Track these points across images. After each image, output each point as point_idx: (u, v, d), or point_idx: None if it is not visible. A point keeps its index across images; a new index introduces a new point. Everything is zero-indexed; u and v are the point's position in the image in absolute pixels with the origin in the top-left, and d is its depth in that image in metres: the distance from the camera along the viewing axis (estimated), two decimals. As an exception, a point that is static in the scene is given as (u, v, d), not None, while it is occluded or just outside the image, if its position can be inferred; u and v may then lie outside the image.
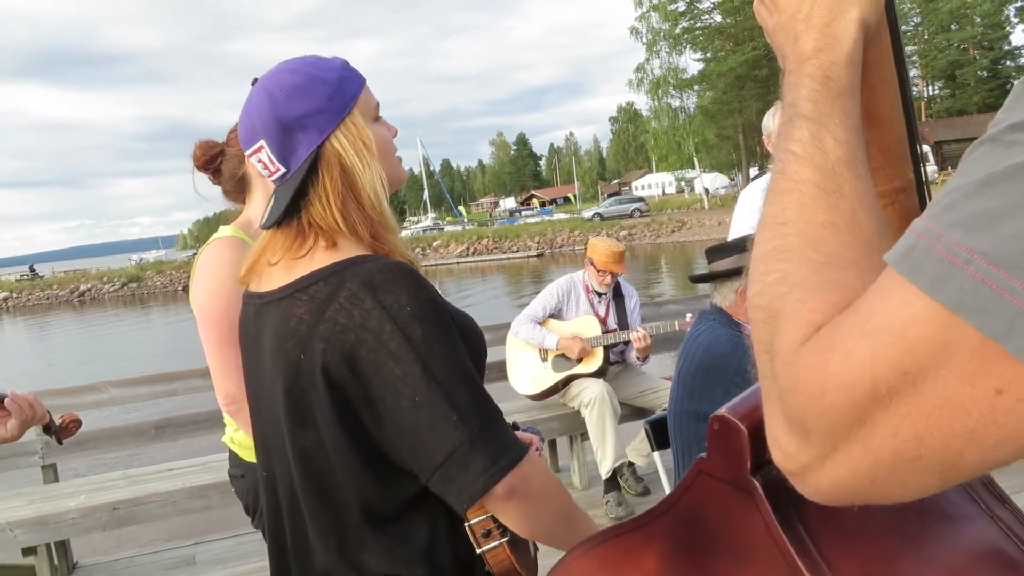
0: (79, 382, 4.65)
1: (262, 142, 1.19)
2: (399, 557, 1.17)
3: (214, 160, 2.08)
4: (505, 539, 1.18)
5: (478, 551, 1.19)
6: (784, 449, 0.52)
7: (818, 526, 0.72)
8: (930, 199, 0.65)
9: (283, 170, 1.20)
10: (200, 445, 4.76)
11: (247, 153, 1.23)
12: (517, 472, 1.11)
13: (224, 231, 2.07)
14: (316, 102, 1.18)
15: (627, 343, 4.38)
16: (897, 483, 0.48)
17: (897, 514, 0.75)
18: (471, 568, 1.22)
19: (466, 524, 1.18)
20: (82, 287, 46.55)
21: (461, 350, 1.15)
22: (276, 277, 1.22)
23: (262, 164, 1.21)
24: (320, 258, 1.18)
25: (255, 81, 1.24)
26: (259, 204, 2.08)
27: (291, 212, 1.20)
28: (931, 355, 0.43)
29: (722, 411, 0.78)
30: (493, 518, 1.17)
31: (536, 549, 1.32)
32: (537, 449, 1.48)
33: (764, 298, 0.54)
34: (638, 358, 4.36)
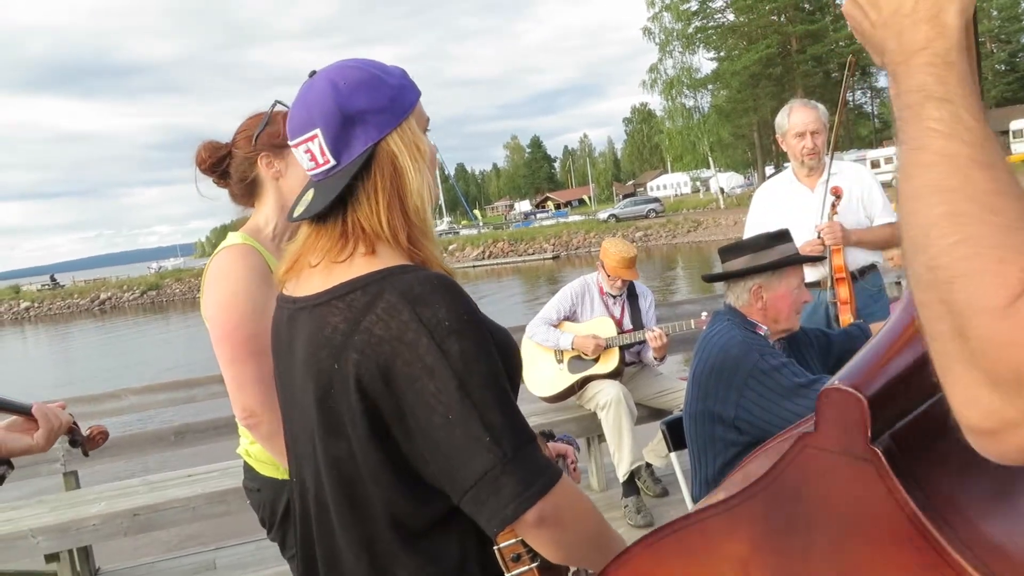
0: (100, 390, 4.69)
1: (317, 131, 1.16)
2: (429, 574, 1.15)
3: (221, 162, 2.02)
4: (535, 564, 1.15)
5: (507, 575, 1.16)
6: (984, 406, 0.52)
7: (937, 493, 0.73)
8: None
9: (332, 163, 1.17)
10: (220, 451, 4.79)
11: (295, 142, 1.20)
12: (549, 499, 1.08)
13: (233, 238, 1.99)
14: (379, 100, 1.17)
15: (643, 343, 4.36)
16: None
17: (1012, 481, 0.78)
18: None
19: (495, 547, 1.15)
20: (102, 296, 46.96)
21: (498, 368, 1.13)
22: (315, 281, 1.20)
23: (309, 155, 1.18)
24: (359, 264, 1.17)
25: (313, 73, 1.22)
26: (269, 208, 2.02)
27: (334, 208, 1.18)
28: None
29: (835, 383, 0.78)
30: (523, 542, 1.14)
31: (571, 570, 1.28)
32: (572, 462, 1.46)
33: (944, 259, 0.55)
34: (655, 358, 4.35)
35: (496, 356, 1.13)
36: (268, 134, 1.96)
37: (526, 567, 1.15)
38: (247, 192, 2.04)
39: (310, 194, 1.22)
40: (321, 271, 1.20)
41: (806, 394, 2.21)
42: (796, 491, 0.81)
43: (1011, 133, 42.68)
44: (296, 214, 1.23)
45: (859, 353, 0.84)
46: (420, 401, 1.08)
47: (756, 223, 3.81)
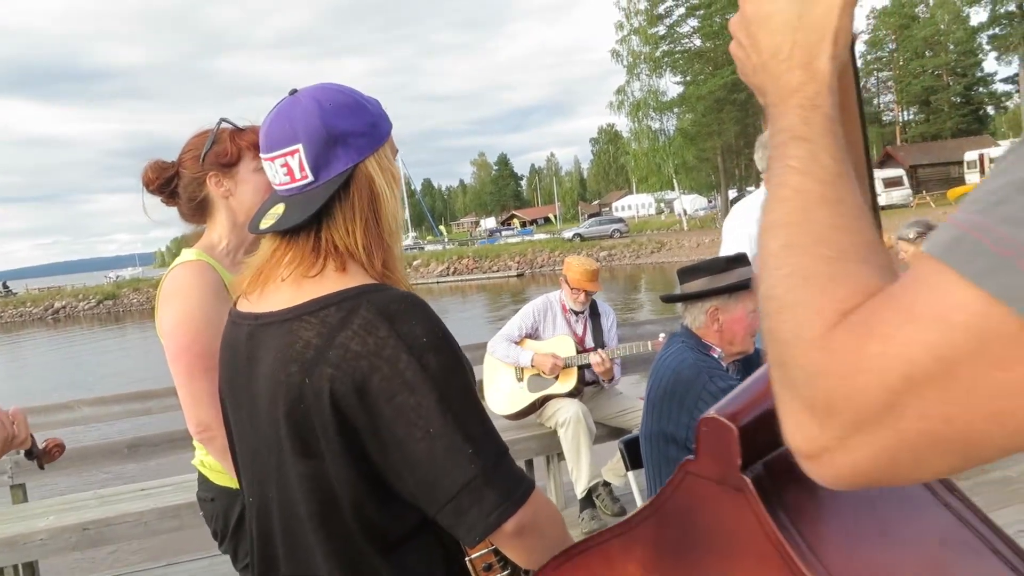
0: (51, 400, 4.60)
1: (299, 146, 1.17)
2: None
3: (169, 183, 2.01)
4: (505, 572, 1.19)
5: None
6: (805, 432, 0.54)
7: (801, 518, 0.75)
8: (879, 222, 0.70)
9: (310, 179, 1.19)
10: (174, 465, 4.72)
11: (270, 156, 1.21)
12: (528, 507, 1.12)
13: (187, 255, 1.99)
14: (361, 124, 1.21)
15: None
16: (917, 465, 0.51)
17: (869, 504, 0.81)
18: None
19: (467, 559, 1.19)
20: (56, 304, 45.98)
21: (473, 382, 1.17)
22: (282, 295, 1.20)
23: (286, 168, 1.19)
24: (331, 280, 1.18)
25: (294, 91, 1.24)
26: (222, 226, 2.03)
27: (308, 223, 1.19)
28: (970, 341, 0.46)
29: (711, 413, 0.81)
30: (494, 552, 1.18)
31: None
32: None
33: (776, 290, 0.58)
34: (603, 380, 4.38)
35: (469, 371, 1.17)
36: (215, 153, 1.96)
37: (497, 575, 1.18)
38: (197, 211, 2.04)
39: (280, 207, 1.22)
40: (290, 285, 1.20)
41: None
42: (681, 516, 0.84)
43: (965, 164, 43.75)
44: (265, 226, 1.22)
45: (741, 384, 0.87)
46: (399, 416, 1.09)
47: (732, 245, 3.86)
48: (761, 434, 0.78)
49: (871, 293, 0.52)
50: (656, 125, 49.48)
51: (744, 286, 2.58)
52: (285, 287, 1.21)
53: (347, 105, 1.21)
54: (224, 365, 1.33)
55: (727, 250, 3.81)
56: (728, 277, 2.60)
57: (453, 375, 1.12)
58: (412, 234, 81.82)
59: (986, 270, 0.45)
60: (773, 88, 0.67)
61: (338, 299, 1.14)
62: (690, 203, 57.31)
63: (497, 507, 1.09)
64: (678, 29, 52.21)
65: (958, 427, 0.48)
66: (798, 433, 0.55)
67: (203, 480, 2.07)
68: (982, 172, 40.79)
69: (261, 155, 1.24)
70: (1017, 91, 52.92)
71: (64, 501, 4.10)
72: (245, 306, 1.28)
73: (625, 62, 49.34)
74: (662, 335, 4.37)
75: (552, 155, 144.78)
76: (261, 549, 1.29)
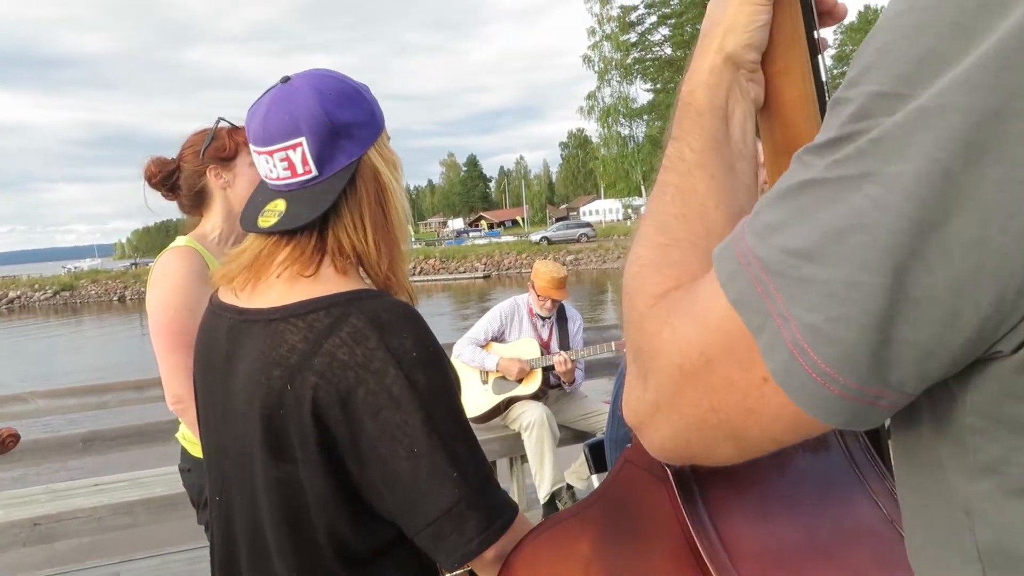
0: (3, 392, 4.49)
1: (303, 139, 1.10)
2: None
3: (170, 176, 2.17)
4: None
5: None
6: (631, 405, 0.59)
7: (718, 507, 0.77)
8: None
9: (314, 173, 1.12)
10: (130, 460, 4.63)
11: (269, 149, 1.13)
12: (509, 534, 1.08)
13: (179, 241, 2.16)
14: (362, 114, 1.15)
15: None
16: (705, 447, 0.55)
17: (792, 493, 0.82)
18: None
19: None
20: (11, 294, 44.97)
21: (460, 401, 1.12)
22: (273, 293, 1.14)
23: (287, 163, 1.12)
24: (326, 282, 1.12)
25: (287, 79, 1.17)
26: (216, 216, 2.19)
27: (310, 223, 1.13)
28: (721, 342, 0.49)
29: None
30: (470, 573, 1.14)
31: None
32: None
33: (624, 278, 0.62)
34: (564, 382, 4.38)
35: (457, 389, 1.13)
36: (214, 148, 2.15)
37: None
38: (196, 203, 2.21)
39: (280, 203, 1.15)
40: (283, 283, 1.14)
41: None
42: (622, 501, 0.88)
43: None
44: (267, 224, 1.15)
45: None
46: (383, 432, 1.05)
47: None
48: None
49: (691, 276, 0.56)
50: (626, 131, 49.93)
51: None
52: (278, 284, 1.15)
53: (346, 94, 1.15)
54: (200, 353, 1.27)
55: None
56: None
57: (441, 393, 1.08)
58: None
59: (730, 277, 0.48)
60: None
61: (328, 303, 1.09)
62: (657, 210, 57.77)
63: (479, 534, 1.06)
64: (649, 37, 52.75)
65: (722, 418, 0.51)
66: (627, 405, 0.59)
67: (183, 451, 2.23)
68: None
69: (254, 147, 1.16)
70: (977, 110, 54.10)
71: (14, 495, 4.00)
72: (229, 298, 1.21)
73: (596, 68, 49.70)
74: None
75: (521, 158, 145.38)
76: (223, 551, 1.24)
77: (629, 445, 0.86)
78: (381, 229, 1.17)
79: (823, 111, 0.71)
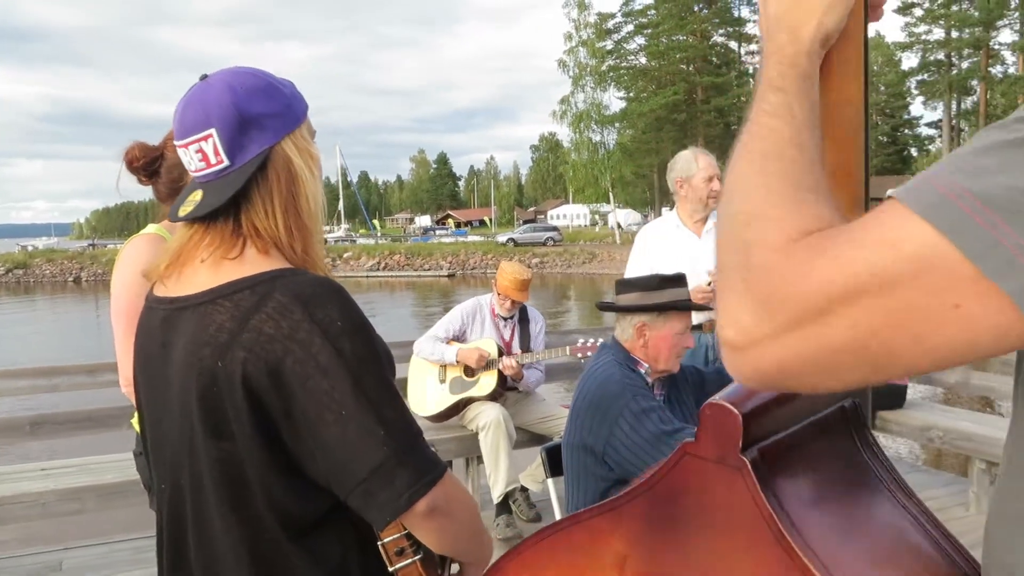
0: (-50, 370, 4.37)
1: (212, 131, 1.17)
2: (313, 572, 1.16)
3: (153, 163, 2.18)
4: (418, 557, 1.20)
5: (391, 569, 1.20)
6: (742, 325, 0.61)
7: (787, 501, 0.84)
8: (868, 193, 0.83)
9: (226, 163, 1.18)
10: (79, 446, 4.54)
11: (184, 142, 1.20)
12: (439, 489, 1.13)
13: (148, 229, 2.25)
14: (275, 106, 1.20)
15: (525, 366, 4.42)
16: (833, 371, 0.59)
17: (840, 491, 0.93)
18: None
19: (380, 543, 1.19)
20: (-38, 270, 43.78)
21: (387, 368, 1.17)
22: (200, 278, 1.19)
23: (201, 154, 1.18)
24: (250, 264, 1.17)
25: (204, 76, 1.23)
26: None
27: (225, 209, 1.18)
28: (911, 267, 0.53)
29: (717, 399, 0.88)
30: (407, 536, 1.18)
31: (446, 565, 1.33)
32: None
33: (748, 204, 0.66)
34: (512, 378, 4.40)
35: (385, 362, 1.18)
36: None
37: (409, 560, 1.20)
38: (174, 192, 2.22)
39: (198, 194, 1.21)
40: (209, 268, 1.19)
41: (667, 441, 2.29)
42: (675, 494, 0.91)
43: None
44: (183, 213, 1.21)
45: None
46: (312, 399, 1.09)
47: (641, 264, 3.94)
48: (758, 423, 0.87)
49: (829, 223, 0.61)
50: (597, 138, 50.04)
51: (674, 307, 2.63)
52: (204, 269, 1.19)
53: (260, 88, 1.20)
54: (139, 352, 1.31)
55: (631, 272, 3.87)
56: (660, 296, 2.64)
57: (368, 361, 1.13)
58: (345, 226, 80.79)
59: (934, 206, 0.53)
60: (767, 46, 0.76)
61: (252, 283, 1.14)
62: (624, 217, 58.23)
63: (409, 488, 1.10)
64: (625, 45, 53.13)
65: (881, 339, 0.55)
66: (734, 326, 0.62)
67: (137, 436, 2.23)
68: (901, 210, 42.54)
69: (175, 142, 1.22)
70: (940, 135, 55.42)
71: (-44, 477, 3.90)
72: (161, 291, 1.26)
73: (571, 73, 49.76)
74: (581, 341, 4.41)
75: (492, 158, 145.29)
76: (171, 534, 1.27)
77: (690, 439, 0.90)
78: (292, 215, 1.21)
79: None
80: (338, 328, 1.11)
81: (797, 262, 0.59)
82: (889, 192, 0.58)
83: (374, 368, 1.14)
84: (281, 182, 1.20)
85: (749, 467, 0.83)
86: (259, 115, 1.18)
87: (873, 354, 0.56)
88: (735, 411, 0.86)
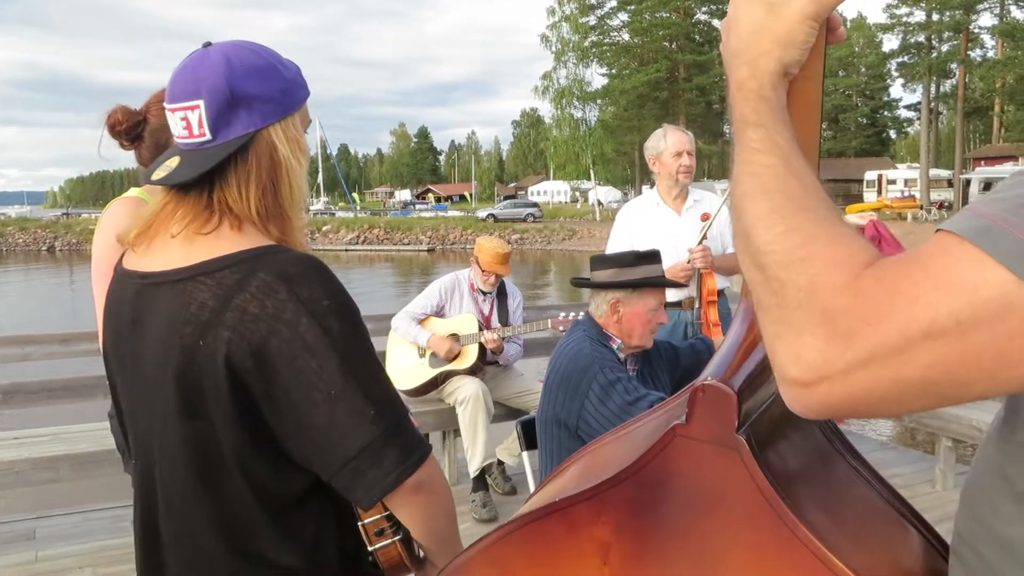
0: (-80, 338, 4.32)
1: (200, 102, 1.14)
2: (288, 548, 1.16)
3: (136, 127, 2.15)
4: (397, 538, 1.21)
5: (370, 548, 1.21)
6: (807, 362, 0.63)
7: (779, 474, 0.84)
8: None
9: (208, 137, 1.15)
10: (52, 415, 4.51)
11: (172, 107, 1.17)
12: (425, 468, 1.14)
13: (131, 192, 2.24)
14: (269, 90, 1.17)
15: (504, 340, 4.44)
16: (900, 402, 0.61)
17: (819, 467, 0.96)
18: (357, 561, 1.23)
19: (360, 523, 1.20)
20: (-68, 237, 43.01)
21: (372, 346, 1.17)
22: (173, 253, 1.16)
23: (185, 123, 1.16)
24: (226, 239, 1.15)
25: (208, 44, 1.19)
26: None
27: (200, 182, 1.16)
28: (990, 312, 0.56)
29: (707, 380, 0.87)
30: (387, 517, 1.19)
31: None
32: None
33: (775, 245, 0.67)
34: (492, 351, 4.42)
35: (368, 338, 1.18)
36: None
37: (389, 540, 1.21)
38: (156, 156, 2.14)
39: (175, 160, 1.19)
40: (181, 242, 1.17)
41: (630, 411, 2.31)
42: (664, 476, 0.89)
43: (865, 182, 45.88)
44: (156, 177, 1.19)
45: (717, 356, 0.94)
46: (298, 379, 1.08)
47: (621, 242, 3.96)
48: (746, 400, 0.88)
49: (872, 253, 0.64)
50: (578, 114, 49.90)
51: (647, 283, 2.65)
52: (176, 244, 1.17)
53: (259, 67, 1.17)
54: (109, 323, 1.28)
55: (612, 248, 3.89)
56: (633, 272, 2.66)
57: (354, 339, 1.13)
58: (324, 199, 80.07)
59: (1015, 255, 0.56)
60: (731, 81, 0.77)
61: (234, 260, 1.12)
62: (605, 194, 58.19)
63: (398, 467, 1.11)
64: (608, 21, 52.74)
65: (955, 377, 0.58)
66: (798, 364, 0.63)
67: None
68: (879, 192, 42.94)
69: (165, 104, 1.20)
70: (918, 118, 55.79)
71: (-73, 445, 3.87)
72: (131, 262, 1.23)
73: (554, 48, 49.49)
74: (562, 314, 4.44)
75: (473, 133, 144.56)
76: (143, 511, 1.26)
77: (679, 422, 0.89)
78: (269, 201, 1.19)
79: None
80: (324, 307, 1.10)
81: (873, 301, 0.60)
82: (946, 226, 0.61)
83: (361, 346, 1.14)
84: (262, 167, 1.17)
85: (746, 445, 0.83)
86: (251, 96, 1.15)
87: (944, 388, 0.59)
88: (730, 391, 0.86)
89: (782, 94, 0.75)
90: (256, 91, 1.16)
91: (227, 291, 1.10)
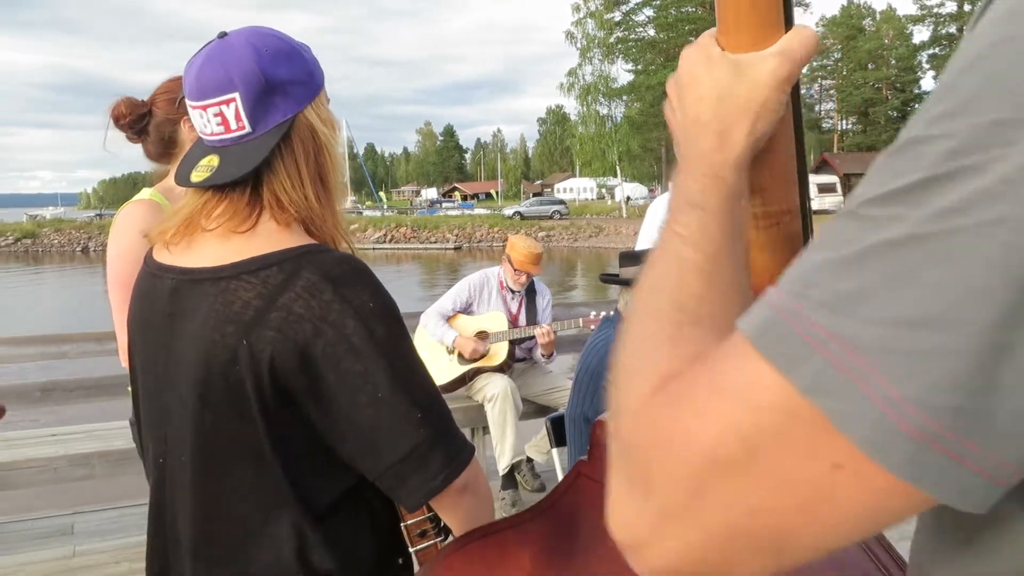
0: (-40, 337, 4.41)
1: (236, 95, 1.11)
2: (324, 551, 1.14)
3: (140, 120, 2.11)
4: (439, 539, 1.21)
5: (411, 549, 1.21)
6: (622, 518, 0.48)
7: None
8: (811, 226, 0.71)
9: (248, 130, 1.12)
10: (88, 413, 4.59)
11: (202, 104, 1.13)
12: (470, 469, 1.13)
13: (144, 194, 2.14)
14: (299, 73, 1.16)
15: (532, 339, 4.44)
16: (728, 565, 0.45)
17: None
18: (388, 562, 1.23)
19: (403, 524, 1.21)
20: (-30, 239, 43.93)
21: (415, 349, 1.16)
22: (210, 251, 1.14)
23: (220, 118, 1.12)
24: (263, 239, 1.12)
25: (224, 34, 1.17)
26: None
27: (243, 179, 1.13)
28: (774, 426, 0.41)
29: (605, 416, 0.82)
30: (430, 519, 1.20)
31: None
32: None
33: (623, 355, 0.54)
34: (543, 355, 4.43)
35: (410, 336, 1.17)
36: None
37: (431, 541, 1.21)
38: (163, 151, 2.16)
39: (214, 159, 1.15)
40: (216, 238, 1.14)
41: None
42: (572, 515, 0.88)
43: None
44: (198, 179, 1.15)
45: None
46: (344, 381, 1.07)
47: (651, 237, 3.93)
48: None
49: (701, 357, 0.47)
50: (604, 111, 49.74)
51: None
52: (213, 240, 1.15)
53: (283, 51, 1.15)
54: (137, 317, 1.25)
55: (641, 245, 3.87)
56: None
57: (400, 341, 1.11)
58: (352, 198, 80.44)
59: (794, 360, 0.41)
60: (686, 151, 0.65)
61: (279, 259, 1.10)
62: (631, 191, 57.95)
63: (444, 469, 1.10)
64: (634, 17, 52.52)
65: (764, 520, 0.42)
66: (615, 519, 0.49)
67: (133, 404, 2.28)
68: (910, 186, 42.14)
69: (189, 102, 1.16)
70: (950, 111, 54.69)
71: (-32, 442, 3.95)
72: (166, 257, 1.20)
73: (579, 44, 49.35)
74: (593, 313, 4.43)
75: (499, 131, 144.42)
76: (161, 505, 1.23)
77: (583, 459, 0.86)
78: (319, 186, 1.18)
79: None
80: (370, 309, 1.08)
81: (658, 427, 0.45)
82: (739, 322, 0.45)
83: (406, 349, 1.12)
84: (308, 151, 1.16)
85: None
86: (284, 81, 1.13)
87: (762, 539, 0.43)
88: None
89: (744, 176, 0.63)
90: (288, 75, 1.14)
91: (272, 290, 1.08)
